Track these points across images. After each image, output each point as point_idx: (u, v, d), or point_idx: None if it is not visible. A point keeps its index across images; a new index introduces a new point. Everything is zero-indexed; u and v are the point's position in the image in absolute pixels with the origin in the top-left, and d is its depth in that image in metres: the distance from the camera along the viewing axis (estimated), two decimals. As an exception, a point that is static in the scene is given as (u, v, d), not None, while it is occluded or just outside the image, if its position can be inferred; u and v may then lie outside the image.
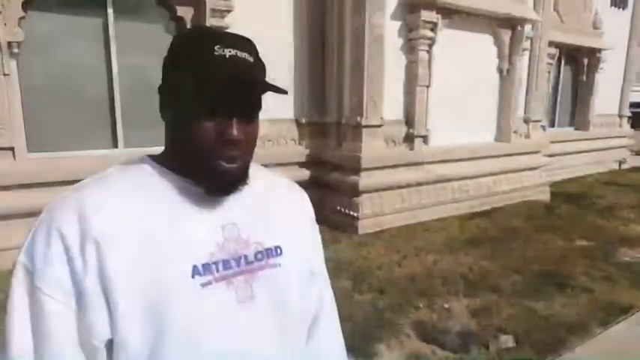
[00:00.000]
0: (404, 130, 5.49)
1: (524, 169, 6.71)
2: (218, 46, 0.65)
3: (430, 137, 5.63)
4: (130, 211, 0.66)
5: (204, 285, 0.67)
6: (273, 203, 0.81)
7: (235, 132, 0.66)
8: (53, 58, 4.09)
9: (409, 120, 5.51)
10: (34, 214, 3.06)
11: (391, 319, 3.08)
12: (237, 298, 0.70)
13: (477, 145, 6.17)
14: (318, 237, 0.93)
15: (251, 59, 0.68)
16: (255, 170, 0.77)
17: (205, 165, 0.68)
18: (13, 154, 3.87)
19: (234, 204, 0.73)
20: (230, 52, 0.65)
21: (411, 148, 5.51)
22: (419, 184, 5.48)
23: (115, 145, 4.45)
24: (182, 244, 0.67)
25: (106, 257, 0.62)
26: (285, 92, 0.71)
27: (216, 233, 0.71)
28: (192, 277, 0.66)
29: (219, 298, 0.68)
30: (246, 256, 0.72)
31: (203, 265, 0.68)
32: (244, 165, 0.72)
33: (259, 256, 0.74)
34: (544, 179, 7.04)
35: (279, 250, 0.77)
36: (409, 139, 5.50)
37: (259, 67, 0.70)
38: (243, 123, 0.68)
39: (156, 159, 0.74)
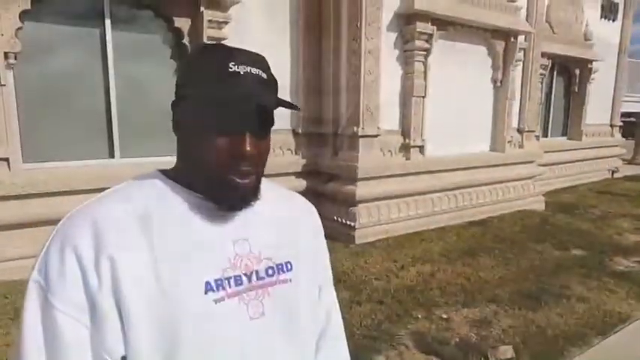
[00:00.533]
0: (400, 140, 5.52)
1: (518, 179, 6.76)
2: (232, 63, 0.65)
3: (426, 147, 5.66)
4: (143, 227, 0.66)
5: (217, 301, 0.67)
6: (283, 218, 0.81)
7: (248, 147, 0.67)
8: (50, 68, 4.08)
9: (405, 130, 5.54)
10: (29, 225, 3.05)
11: (390, 330, 3.07)
12: (248, 314, 0.70)
13: (472, 155, 6.22)
14: (326, 251, 0.93)
15: (265, 76, 0.68)
16: (265, 185, 0.77)
17: (218, 180, 0.68)
18: (8, 164, 3.84)
19: (246, 219, 0.73)
20: (244, 68, 0.66)
21: (408, 158, 5.54)
22: (415, 194, 5.50)
23: (112, 155, 4.43)
24: (195, 259, 0.67)
25: (120, 273, 0.62)
26: (297, 108, 0.72)
27: (228, 248, 0.71)
28: (206, 293, 0.66)
29: (231, 315, 0.68)
30: (257, 272, 0.72)
31: (216, 281, 0.68)
32: (257, 180, 0.72)
33: (270, 271, 0.74)
34: (538, 189, 7.10)
35: (289, 266, 0.77)
36: (405, 149, 5.53)
37: (272, 83, 0.71)
38: (256, 138, 0.68)
39: (167, 174, 0.75)
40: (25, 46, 3.83)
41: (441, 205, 5.73)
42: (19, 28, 3.78)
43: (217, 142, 0.66)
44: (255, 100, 0.66)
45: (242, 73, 0.65)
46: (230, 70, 0.65)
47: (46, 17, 3.98)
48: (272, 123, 0.72)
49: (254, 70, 0.67)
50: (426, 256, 4.58)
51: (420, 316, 3.30)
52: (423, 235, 5.29)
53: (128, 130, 4.46)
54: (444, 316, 3.31)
